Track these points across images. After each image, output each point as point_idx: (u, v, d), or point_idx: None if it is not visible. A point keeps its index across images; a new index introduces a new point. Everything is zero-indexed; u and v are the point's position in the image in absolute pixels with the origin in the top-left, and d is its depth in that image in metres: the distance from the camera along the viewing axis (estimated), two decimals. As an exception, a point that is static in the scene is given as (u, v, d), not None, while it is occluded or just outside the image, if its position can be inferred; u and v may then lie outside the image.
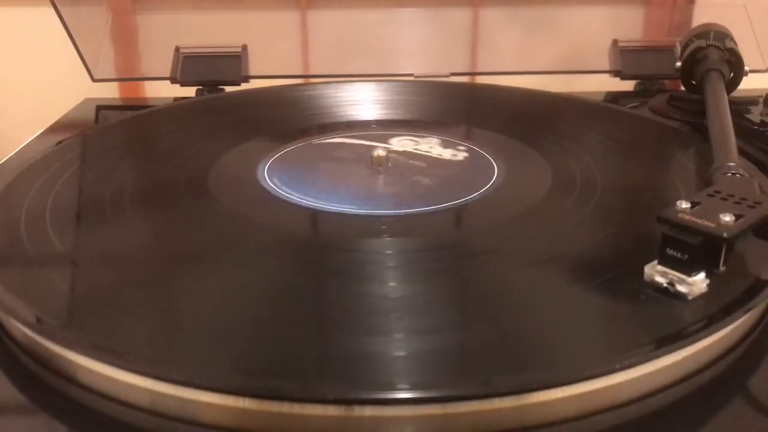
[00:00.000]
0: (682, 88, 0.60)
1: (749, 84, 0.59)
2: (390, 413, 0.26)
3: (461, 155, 0.47)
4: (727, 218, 0.30)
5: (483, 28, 0.72)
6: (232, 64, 0.68)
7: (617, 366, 0.26)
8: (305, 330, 0.29)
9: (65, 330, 0.29)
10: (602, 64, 0.70)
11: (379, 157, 0.45)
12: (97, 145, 0.51)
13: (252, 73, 0.69)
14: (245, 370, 0.27)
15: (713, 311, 0.29)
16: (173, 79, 0.68)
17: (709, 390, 0.29)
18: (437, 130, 0.52)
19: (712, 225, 0.30)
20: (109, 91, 0.74)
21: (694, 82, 0.58)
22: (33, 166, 0.45)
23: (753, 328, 0.32)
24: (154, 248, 0.37)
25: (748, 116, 0.56)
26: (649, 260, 0.31)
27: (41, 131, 0.58)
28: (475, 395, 0.25)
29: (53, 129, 0.59)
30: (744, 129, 0.53)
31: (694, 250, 0.30)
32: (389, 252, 0.36)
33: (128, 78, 0.75)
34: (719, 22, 0.60)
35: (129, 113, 0.60)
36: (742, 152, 0.43)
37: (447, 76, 0.68)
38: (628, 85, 0.70)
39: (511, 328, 0.29)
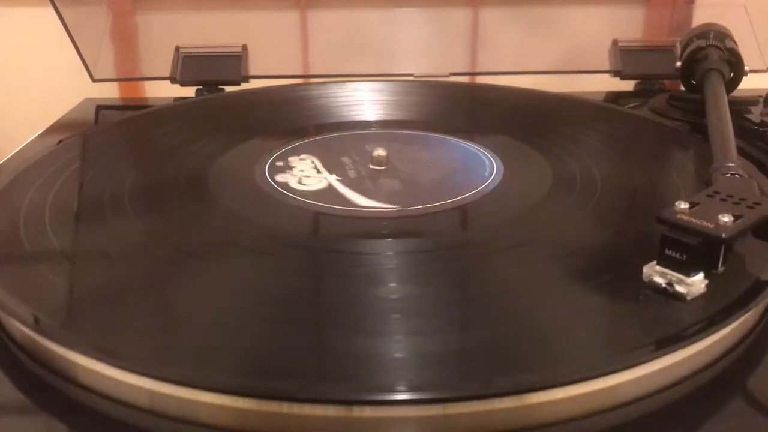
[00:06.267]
0: (682, 88, 0.60)
1: (749, 84, 0.59)
2: (390, 414, 0.26)
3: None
4: (726, 219, 0.30)
5: (483, 28, 0.72)
6: (232, 64, 0.68)
7: (617, 366, 0.26)
8: (305, 330, 0.29)
9: (65, 330, 0.29)
10: (602, 64, 0.70)
11: (379, 156, 0.45)
12: (97, 145, 0.51)
13: (252, 73, 0.68)
14: (245, 370, 0.27)
15: (712, 312, 0.29)
16: (173, 79, 0.68)
17: (709, 390, 0.29)
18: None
19: (711, 225, 0.30)
20: (109, 91, 0.74)
21: (694, 82, 0.58)
22: (33, 166, 0.45)
23: (752, 328, 0.32)
24: (153, 248, 0.37)
25: (748, 116, 0.56)
26: (648, 261, 0.31)
27: (41, 131, 0.58)
28: (475, 396, 0.25)
29: (53, 129, 0.59)
30: (744, 129, 0.53)
31: (693, 250, 0.30)
32: (389, 252, 0.36)
33: (128, 78, 0.75)
34: (719, 22, 0.60)
35: (129, 113, 0.60)
36: (742, 152, 0.43)
37: (447, 76, 0.68)
38: (628, 85, 0.70)
39: (511, 329, 0.29)
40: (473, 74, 0.74)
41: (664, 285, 0.30)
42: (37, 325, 0.29)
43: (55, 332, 0.29)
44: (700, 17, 0.71)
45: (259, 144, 0.50)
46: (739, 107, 0.57)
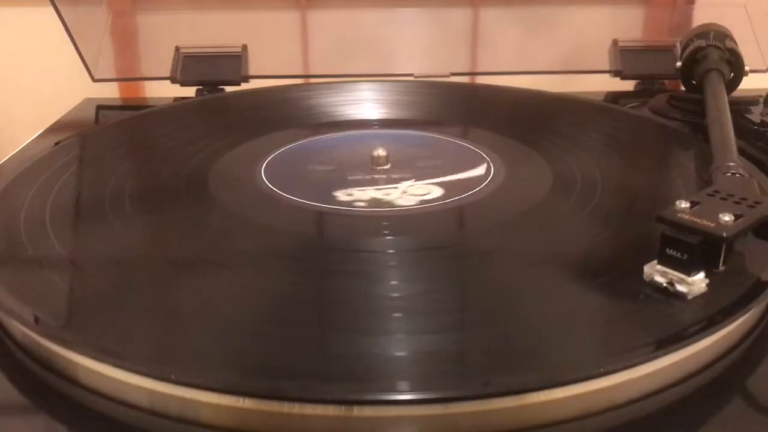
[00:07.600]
0: (682, 88, 0.60)
1: (749, 84, 0.59)
2: (390, 413, 0.26)
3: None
4: (727, 218, 0.30)
5: (483, 28, 0.72)
6: (232, 64, 0.68)
7: (617, 366, 0.26)
8: (305, 330, 0.29)
9: (65, 330, 0.29)
10: (602, 64, 0.70)
11: (378, 156, 0.45)
12: (97, 145, 0.51)
13: (252, 73, 0.69)
14: (245, 370, 0.27)
15: (713, 311, 0.29)
16: (173, 79, 0.68)
17: (709, 390, 0.29)
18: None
19: (712, 225, 0.30)
20: (109, 91, 0.74)
21: (694, 82, 0.58)
22: (33, 166, 0.45)
23: (753, 328, 0.32)
24: (153, 248, 0.37)
25: (748, 116, 0.56)
26: (649, 260, 0.31)
27: (41, 131, 0.58)
28: (475, 395, 0.25)
29: (53, 129, 0.59)
30: (744, 129, 0.53)
31: (694, 249, 0.30)
32: (389, 252, 0.36)
33: (128, 78, 0.75)
34: (719, 22, 0.60)
35: (129, 113, 0.60)
36: (742, 152, 0.43)
37: (447, 76, 0.68)
38: (628, 85, 0.70)
39: (511, 328, 0.29)
40: (473, 74, 0.74)
41: (665, 284, 0.30)
42: (37, 325, 0.29)
43: (55, 332, 0.29)
44: (700, 17, 0.71)
45: (259, 144, 0.50)
46: (739, 107, 0.57)
